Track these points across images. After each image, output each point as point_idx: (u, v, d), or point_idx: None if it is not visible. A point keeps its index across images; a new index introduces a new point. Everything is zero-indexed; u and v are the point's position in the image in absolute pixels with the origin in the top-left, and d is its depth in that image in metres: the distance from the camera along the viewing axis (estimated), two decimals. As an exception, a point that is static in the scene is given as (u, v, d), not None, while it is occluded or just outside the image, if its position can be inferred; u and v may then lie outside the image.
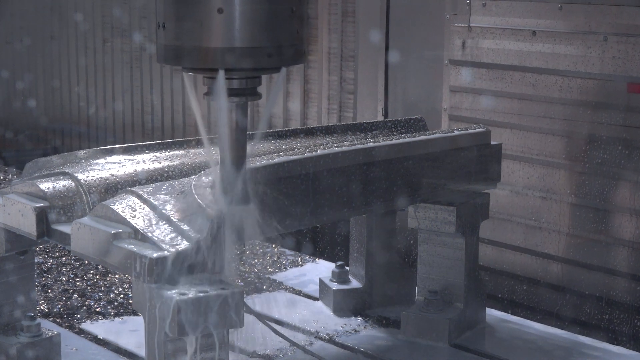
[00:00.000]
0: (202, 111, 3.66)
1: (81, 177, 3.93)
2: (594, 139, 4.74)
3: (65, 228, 3.77)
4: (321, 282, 5.14)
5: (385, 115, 6.21)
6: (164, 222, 3.46)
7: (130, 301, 5.19)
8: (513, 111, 5.09)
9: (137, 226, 3.43)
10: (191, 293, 3.20)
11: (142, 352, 3.95)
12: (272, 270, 5.75)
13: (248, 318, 3.53)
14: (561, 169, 5.01)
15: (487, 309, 4.85)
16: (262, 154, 4.29)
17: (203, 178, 3.67)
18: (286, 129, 4.77)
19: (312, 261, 5.90)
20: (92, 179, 3.93)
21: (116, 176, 3.98)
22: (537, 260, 5.23)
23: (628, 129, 4.62)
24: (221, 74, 3.22)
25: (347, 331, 4.79)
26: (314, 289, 5.29)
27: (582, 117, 4.71)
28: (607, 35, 4.61)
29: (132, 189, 3.66)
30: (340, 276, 5.05)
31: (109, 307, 5.15)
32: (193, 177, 3.71)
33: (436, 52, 5.61)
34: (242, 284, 5.52)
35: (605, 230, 4.88)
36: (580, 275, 5.01)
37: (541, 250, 5.22)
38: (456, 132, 4.62)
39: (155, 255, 3.27)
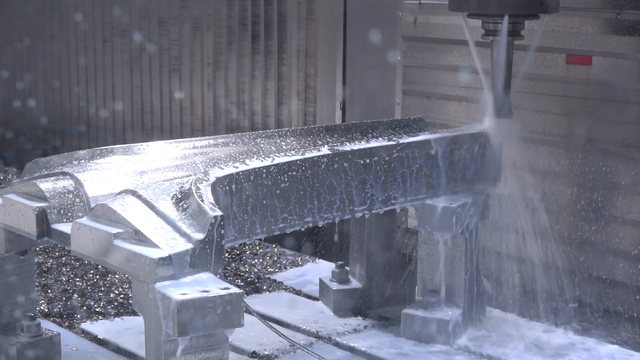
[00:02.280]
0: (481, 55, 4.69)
1: (81, 177, 3.93)
2: (537, 109, 4.89)
3: (65, 228, 3.77)
4: (321, 282, 5.14)
5: (344, 109, 6.36)
6: (164, 222, 3.46)
7: (130, 301, 5.18)
8: (461, 84, 5.23)
9: (137, 226, 3.43)
10: (192, 293, 3.19)
11: (142, 352, 3.95)
12: (272, 270, 5.75)
13: (248, 318, 3.53)
14: None
15: (487, 308, 4.85)
16: (262, 154, 4.30)
17: (203, 178, 3.68)
18: (286, 129, 4.77)
19: (312, 261, 5.90)
20: (92, 179, 3.93)
21: (116, 176, 3.98)
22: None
23: (566, 99, 4.78)
24: (505, 19, 4.37)
25: (347, 331, 4.79)
26: (314, 289, 5.29)
27: (524, 89, 4.84)
28: None
29: (132, 189, 3.66)
30: (340, 276, 5.05)
31: (109, 307, 5.15)
32: (193, 177, 3.71)
33: (390, 49, 5.76)
34: (242, 284, 5.52)
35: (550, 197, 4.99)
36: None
37: None
38: (456, 132, 4.63)
39: (155, 255, 3.27)
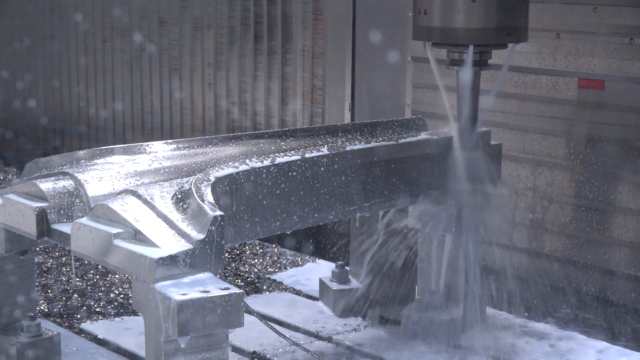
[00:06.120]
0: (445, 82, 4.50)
1: (81, 177, 3.93)
2: (547, 132, 4.90)
3: (65, 228, 3.77)
4: (321, 282, 5.14)
5: (352, 110, 6.36)
6: (164, 222, 3.46)
7: (130, 301, 5.19)
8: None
9: (137, 226, 3.43)
10: (192, 293, 3.20)
11: (142, 352, 3.95)
12: (272, 270, 5.75)
13: (248, 318, 3.53)
14: (514, 162, 5.17)
15: (487, 309, 4.85)
16: (262, 154, 4.29)
17: (203, 178, 3.67)
18: (286, 129, 4.77)
19: (312, 261, 5.90)
20: (92, 179, 3.93)
21: (116, 176, 3.98)
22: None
23: (578, 122, 4.79)
24: (471, 49, 4.20)
25: (347, 331, 4.79)
26: (314, 289, 5.29)
27: (535, 112, 4.84)
28: (559, 32, 4.77)
29: (132, 188, 3.66)
30: (340, 276, 5.05)
31: (109, 307, 5.16)
32: (193, 176, 3.71)
33: (399, 50, 5.76)
34: (242, 284, 5.52)
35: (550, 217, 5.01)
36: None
37: None
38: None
39: (155, 255, 3.27)
